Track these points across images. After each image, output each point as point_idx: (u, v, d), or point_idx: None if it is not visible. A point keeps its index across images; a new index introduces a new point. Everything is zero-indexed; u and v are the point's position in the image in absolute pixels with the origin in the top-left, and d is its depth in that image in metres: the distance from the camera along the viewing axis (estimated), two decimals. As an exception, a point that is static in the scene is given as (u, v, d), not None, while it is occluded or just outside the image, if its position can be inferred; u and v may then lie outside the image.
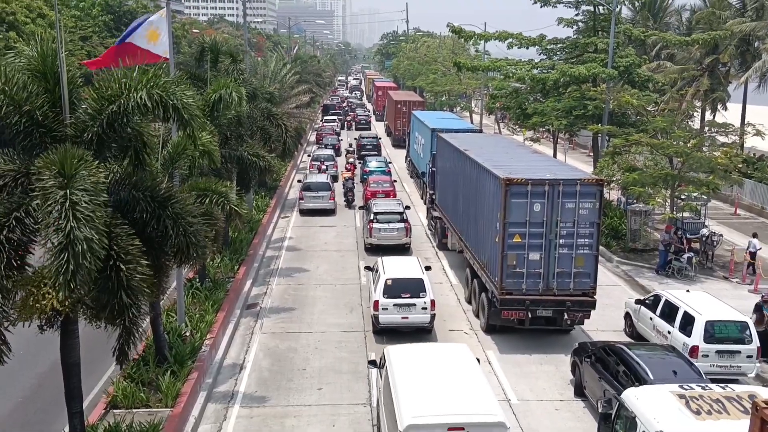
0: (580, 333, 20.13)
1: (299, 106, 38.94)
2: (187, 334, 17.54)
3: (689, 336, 17.04)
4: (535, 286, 18.68)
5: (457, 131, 32.13)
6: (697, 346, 16.75)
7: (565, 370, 17.83)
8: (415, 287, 19.74)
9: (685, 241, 26.58)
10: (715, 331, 16.96)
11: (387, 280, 19.88)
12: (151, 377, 15.06)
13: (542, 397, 16.53)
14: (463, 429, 11.00)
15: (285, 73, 40.48)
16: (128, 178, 11.12)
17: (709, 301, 18.39)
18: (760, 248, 25.61)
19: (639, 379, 13.65)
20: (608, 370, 14.93)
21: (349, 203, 37.19)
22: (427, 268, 21.50)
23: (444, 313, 21.42)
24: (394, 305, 19.47)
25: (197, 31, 76.69)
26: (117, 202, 10.96)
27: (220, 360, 17.96)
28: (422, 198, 37.56)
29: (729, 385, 11.16)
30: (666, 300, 18.59)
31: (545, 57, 35.37)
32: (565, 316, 18.89)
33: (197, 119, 11.24)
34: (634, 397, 10.88)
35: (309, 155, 48.87)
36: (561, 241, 18.49)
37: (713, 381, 14.05)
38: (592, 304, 18.89)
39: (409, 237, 28.58)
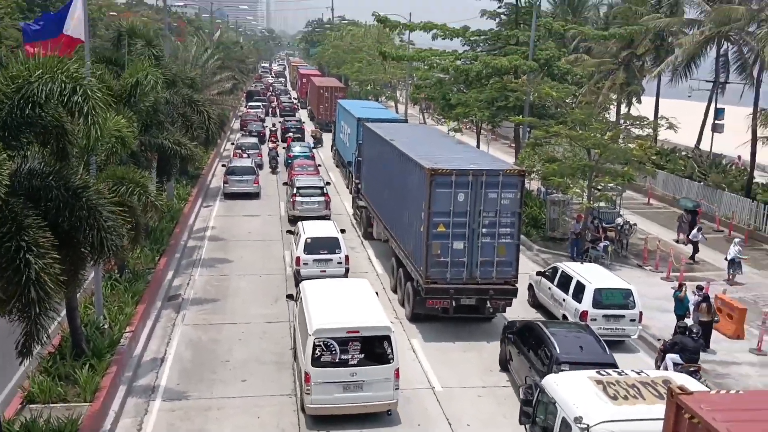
0: (501, 320, 20.52)
1: (222, 92, 38.22)
2: (106, 326, 16.98)
3: (580, 302, 18.91)
4: (459, 275, 18.95)
5: (383, 121, 32.21)
6: (587, 311, 18.68)
7: (487, 357, 18.21)
8: (331, 245, 22.85)
9: (601, 230, 27.52)
10: (602, 298, 18.89)
11: (307, 239, 22.88)
12: (69, 371, 14.50)
13: (465, 384, 16.82)
14: (358, 332, 14.31)
15: (207, 59, 39.56)
16: (43, 167, 10.58)
17: (599, 271, 20.60)
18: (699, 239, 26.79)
19: (548, 354, 14.66)
20: (526, 345, 15.81)
21: (274, 169, 42.63)
22: (342, 231, 24.19)
23: (369, 302, 21.42)
24: (314, 260, 22.49)
25: (114, 14, 73.93)
26: (29, 191, 10.46)
27: (141, 353, 17.48)
28: (348, 187, 37.52)
29: (644, 370, 11.65)
30: (562, 271, 20.46)
31: (469, 48, 35.82)
32: (488, 304, 19.27)
33: (100, 109, 10.72)
34: (553, 383, 11.20)
35: (232, 143, 48.14)
36: (484, 230, 18.82)
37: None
38: (514, 292, 19.34)
39: (329, 209, 31.04)
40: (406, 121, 40.65)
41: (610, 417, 9.82)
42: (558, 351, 14.52)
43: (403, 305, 21.30)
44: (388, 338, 14.45)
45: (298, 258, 22.65)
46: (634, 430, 9.20)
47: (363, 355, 14.25)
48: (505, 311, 19.92)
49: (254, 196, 35.97)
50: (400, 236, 21.92)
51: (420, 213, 19.19)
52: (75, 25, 15.79)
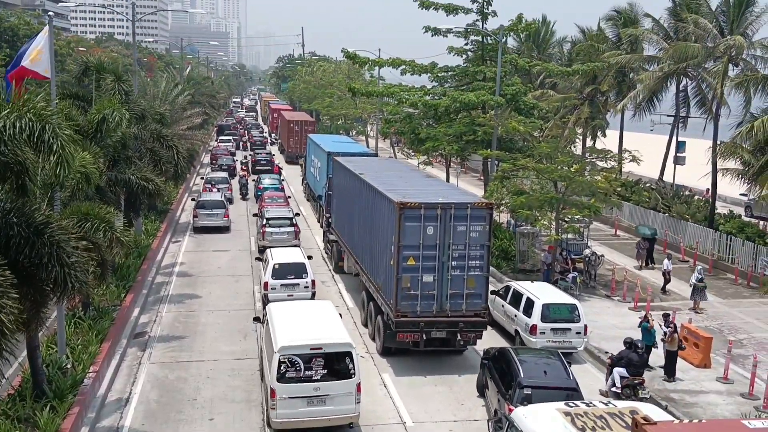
0: (472, 353, 20.53)
1: (191, 127, 38.09)
2: (69, 366, 16.59)
3: (530, 317, 20.14)
4: (429, 308, 18.94)
5: (353, 155, 32.36)
6: (536, 325, 19.92)
7: (458, 390, 18.14)
8: (298, 270, 23.78)
9: (569, 262, 27.78)
10: (550, 312, 20.11)
11: (275, 264, 23.70)
12: (28, 413, 14.10)
13: (436, 419, 16.69)
14: (321, 348, 15.10)
15: (176, 94, 39.51)
16: (3, 203, 10.40)
17: (547, 288, 21.97)
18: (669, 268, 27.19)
19: (513, 377, 15.13)
20: (498, 370, 16.14)
21: (244, 196, 45.39)
22: (309, 257, 25.00)
23: (340, 336, 21.26)
24: (281, 285, 23.36)
25: (84, 49, 73.72)
26: (-12, 228, 10.27)
27: (105, 393, 17.07)
28: (319, 221, 37.48)
29: (612, 401, 11.68)
30: (514, 289, 21.79)
31: (437, 84, 36.28)
32: (459, 337, 19.24)
33: (68, 147, 10.65)
34: (522, 416, 11.20)
35: (202, 178, 47.96)
36: (453, 263, 18.88)
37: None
38: (484, 324, 19.37)
39: (298, 239, 31.62)
40: (376, 154, 40.85)
41: None
42: (522, 375, 14.96)
43: (374, 339, 21.18)
44: (349, 354, 15.24)
45: (266, 283, 23.45)
46: None
47: (326, 371, 15.04)
48: (475, 344, 19.91)
49: (224, 230, 35.95)
50: (370, 270, 21.89)
51: (389, 246, 19.21)
52: (40, 60, 15.72)
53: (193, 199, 38.32)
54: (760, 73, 31.47)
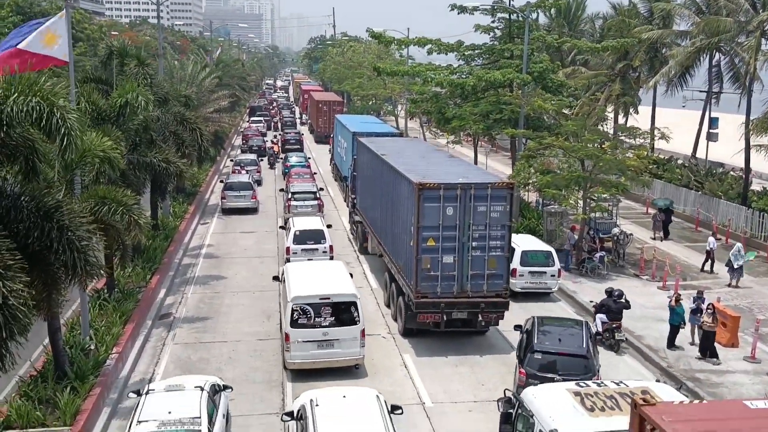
0: (495, 333, 20.40)
1: (219, 110, 38.26)
2: (92, 347, 16.87)
3: (511, 262, 21.09)
4: (450, 288, 18.82)
5: (377, 135, 32.21)
6: (516, 269, 22.37)
7: (479, 371, 18.05)
8: (317, 236, 25.73)
9: (597, 241, 27.36)
10: (528, 258, 23.21)
11: (296, 231, 25.86)
12: (50, 394, 14.35)
13: (456, 399, 16.64)
14: (329, 298, 17.17)
15: (204, 77, 39.68)
16: (12, 186, 10.52)
17: (528, 238, 24.90)
18: (714, 247, 26.59)
19: (529, 345, 15.64)
20: (525, 338, 16.25)
21: (272, 165, 49.85)
22: (329, 226, 27.13)
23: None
24: (302, 250, 25.28)
25: (116, 33, 74.52)
26: (-1, 212, 10.39)
27: (128, 374, 17.37)
28: (345, 202, 37.50)
29: (623, 381, 11.52)
30: None
31: (463, 62, 35.83)
32: (480, 318, 19.12)
33: (77, 130, 10.70)
34: (531, 395, 11.08)
35: (232, 160, 48.34)
36: (474, 243, 18.70)
37: (528, 294, 23.01)
38: (506, 305, 19.18)
39: (322, 213, 32.81)
40: (401, 134, 40.61)
41: (586, 429, 9.73)
42: (536, 341, 15.56)
43: (395, 320, 21.16)
44: (354, 304, 17.31)
45: (288, 248, 25.61)
46: None
47: (334, 318, 17.09)
48: (497, 324, 19.76)
49: (252, 211, 36.17)
50: (392, 251, 21.82)
51: (410, 227, 19.10)
52: (58, 45, 15.82)
53: (221, 181, 38.70)
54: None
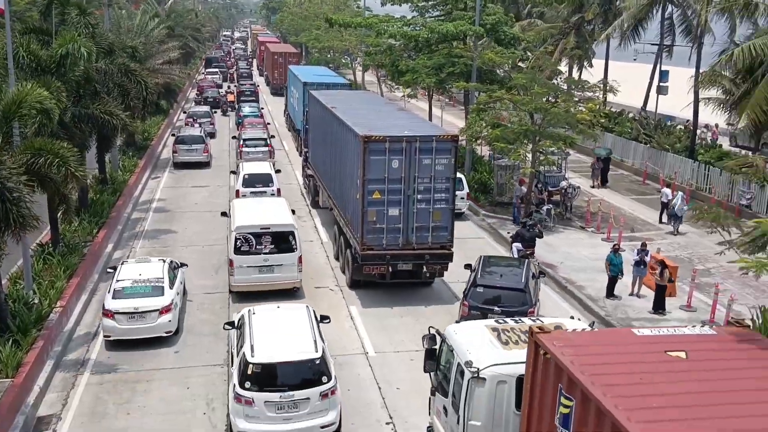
0: (441, 284, 20.78)
1: (169, 61, 37.41)
2: (35, 301, 16.78)
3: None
4: (395, 241, 19.05)
5: (328, 87, 31.99)
6: (239, 190, 26.60)
7: (424, 321, 18.37)
8: (265, 179, 27.45)
9: (545, 194, 27.79)
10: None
11: (245, 175, 27.52)
12: (-10, 348, 14.34)
13: (399, 349, 17.02)
14: (269, 228, 19.07)
15: (152, 27, 38.65)
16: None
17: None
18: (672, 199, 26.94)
19: (475, 281, 16.92)
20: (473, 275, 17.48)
21: (224, 112, 52.06)
22: (278, 171, 29.04)
23: (312, 270, 21.53)
24: (251, 192, 26.44)
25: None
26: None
27: (73, 327, 17.34)
28: (299, 154, 37.31)
29: (540, 318, 12.20)
30: None
31: (418, 14, 35.56)
32: (425, 269, 19.45)
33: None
34: (453, 332, 11.61)
35: (185, 112, 47.55)
36: (419, 196, 18.88)
37: None
38: (450, 257, 19.50)
39: (273, 157, 34.51)
40: (350, 86, 40.33)
41: (499, 360, 10.28)
42: (479, 276, 16.95)
43: (344, 272, 21.39)
44: (292, 233, 19.22)
45: (237, 191, 27.02)
46: (520, 371, 9.59)
47: (273, 246, 18.95)
48: (442, 275, 20.10)
49: (204, 165, 35.80)
50: (340, 204, 21.93)
51: (356, 180, 19.19)
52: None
53: (173, 135, 38.16)
54: (743, -2, 30.66)
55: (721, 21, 32.02)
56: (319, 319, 14.34)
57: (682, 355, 8.00)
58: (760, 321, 14.80)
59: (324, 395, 12.56)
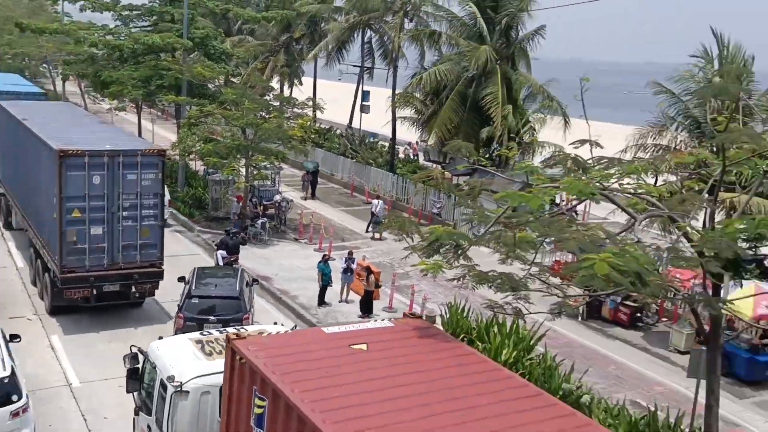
0: (152, 304, 20.06)
1: None
2: None
3: None
4: (100, 261, 18.02)
5: (19, 96, 29.24)
6: None
7: (135, 343, 17.05)
8: None
9: (260, 208, 28.27)
10: None
11: None
12: None
13: (107, 376, 16.01)
14: None
15: None
16: None
17: None
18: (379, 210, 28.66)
19: (189, 293, 16.72)
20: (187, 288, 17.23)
21: None
22: None
23: (5, 299, 19.50)
24: None
25: None
26: None
27: None
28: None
29: (244, 327, 12.70)
30: None
31: (121, 23, 34.03)
32: (134, 289, 18.69)
33: None
34: (156, 348, 11.46)
35: None
36: (125, 213, 18.09)
37: None
38: (161, 275, 18.93)
39: None
40: (45, 95, 37.30)
41: (202, 371, 10.39)
42: (194, 287, 16.79)
43: (42, 299, 19.67)
44: None
45: None
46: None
47: None
48: (153, 294, 19.43)
49: None
50: (35, 224, 20.20)
51: (52, 198, 17.81)
52: None
53: None
54: (429, 28, 34.34)
55: (412, 47, 35.44)
56: (8, 338, 13.73)
57: (364, 347, 8.78)
58: (447, 315, 16.55)
59: (15, 414, 12.08)
